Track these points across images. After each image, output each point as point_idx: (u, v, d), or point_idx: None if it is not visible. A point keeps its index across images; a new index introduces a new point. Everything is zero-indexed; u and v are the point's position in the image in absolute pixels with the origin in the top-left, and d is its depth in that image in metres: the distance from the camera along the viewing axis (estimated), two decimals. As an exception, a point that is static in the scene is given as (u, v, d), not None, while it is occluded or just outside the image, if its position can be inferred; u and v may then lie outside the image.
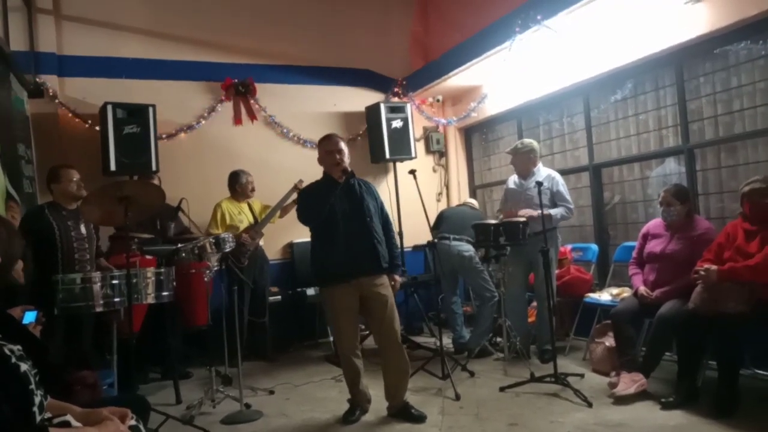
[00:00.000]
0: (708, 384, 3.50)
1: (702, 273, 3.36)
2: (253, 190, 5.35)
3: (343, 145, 3.66)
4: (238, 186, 5.32)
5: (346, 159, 3.64)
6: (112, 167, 5.01)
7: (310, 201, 3.64)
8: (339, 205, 3.56)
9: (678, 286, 3.68)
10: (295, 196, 5.11)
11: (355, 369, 3.63)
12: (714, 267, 3.34)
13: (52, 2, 5.33)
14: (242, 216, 5.28)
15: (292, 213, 5.38)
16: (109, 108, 5.06)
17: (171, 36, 5.87)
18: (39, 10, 5.25)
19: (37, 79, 5.10)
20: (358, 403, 3.69)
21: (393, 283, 3.71)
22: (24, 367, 1.77)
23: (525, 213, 4.55)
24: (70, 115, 5.33)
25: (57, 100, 5.25)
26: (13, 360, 1.75)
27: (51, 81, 5.22)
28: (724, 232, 3.56)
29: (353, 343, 3.65)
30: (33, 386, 1.79)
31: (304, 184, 5.09)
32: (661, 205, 3.89)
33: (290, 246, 6.17)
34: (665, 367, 3.81)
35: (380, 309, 3.59)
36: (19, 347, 1.85)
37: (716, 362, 3.41)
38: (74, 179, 3.96)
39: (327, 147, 3.66)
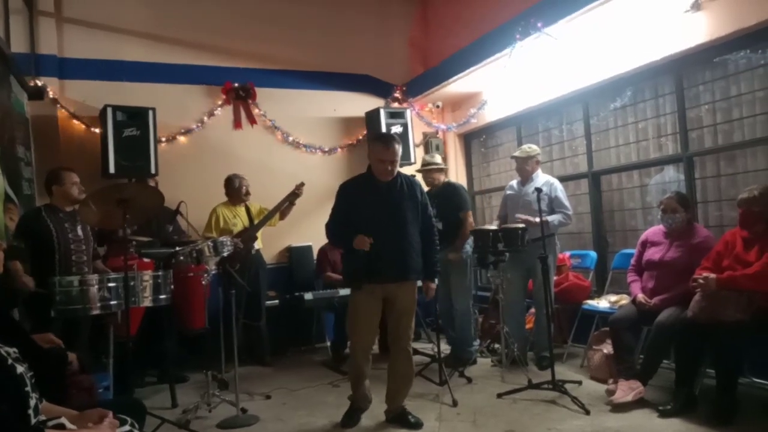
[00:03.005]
0: (706, 392, 3.49)
1: (701, 281, 3.36)
2: (247, 193, 5.33)
3: (398, 155, 3.47)
4: (231, 190, 5.33)
5: (397, 167, 3.50)
6: (112, 170, 5.02)
7: (346, 198, 3.57)
8: (375, 208, 3.47)
9: (676, 293, 3.68)
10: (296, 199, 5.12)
11: (360, 371, 3.62)
12: (713, 275, 3.34)
13: (53, 4, 5.35)
14: (236, 220, 5.27)
15: (291, 217, 5.40)
16: (109, 111, 5.07)
17: (171, 39, 5.88)
18: (40, 13, 5.27)
19: (38, 81, 5.11)
20: (359, 404, 3.67)
21: (428, 290, 3.66)
22: (20, 369, 1.77)
23: (522, 218, 4.54)
24: (69, 117, 5.34)
25: (57, 103, 5.25)
26: (10, 362, 1.75)
27: (51, 83, 5.23)
28: (723, 241, 3.57)
29: (367, 346, 3.62)
30: (29, 388, 1.79)
31: (303, 188, 5.13)
32: (665, 212, 3.87)
33: (288, 250, 6.17)
34: (663, 374, 3.80)
35: (398, 314, 3.57)
36: (15, 350, 1.85)
37: (715, 370, 3.40)
38: (75, 180, 3.96)
39: (382, 155, 3.45)
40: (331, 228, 3.66)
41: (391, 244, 3.45)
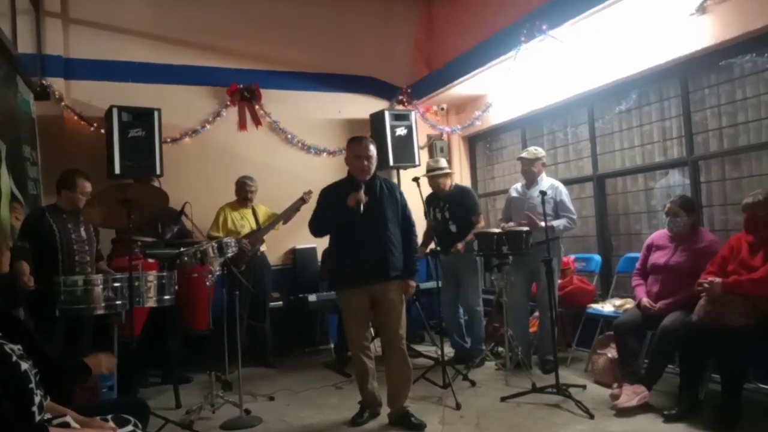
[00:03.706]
0: (711, 397, 3.48)
1: (706, 286, 3.35)
2: (246, 198, 5.33)
3: (373, 151, 3.62)
4: (239, 192, 5.35)
5: (374, 165, 3.62)
6: (117, 170, 5.03)
7: (326, 211, 3.65)
8: (357, 210, 3.52)
9: (681, 298, 3.66)
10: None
11: (364, 368, 3.66)
12: (718, 280, 3.33)
13: (59, 5, 5.37)
14: (244, 221, 5.29)
15: (296, 219, 5.41)
16: (115, 111, 5.08)
17: (177, 40, 5.89)
18: (47, 13, 5.28)
19: (44, 82, 5.11)
20: (368, 404, 3.70)
21: (407, 287, 3.68)
22: (24, 366, 1.77)
23: (529, 219, 4.52)
24: (75, 117, 5.35)
25: (63, 103, 5.26)
26: (14, 358, 1.75)
27: (57, 83, 5.24)
28: (728, 245, 3.55)
29: (362, 343, 3.67)
30: (33, 385, 1.79)
31: (312, 196, 5.15)
32: (667, 216, 3.87)
33: (293, 252, 6.17)
34: (668, 379, 3.78)
35: (386, 314, 3.61)
36: (19, 347, 1.85)
37: (719, 375, 3.39)
38: (87, 191, 3.94)
39: (357, 151, 3.62)
40: (313, 222, 3.72)
41: (373, 242, 3.53)
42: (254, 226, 5.28)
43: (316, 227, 3.75)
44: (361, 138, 3.73)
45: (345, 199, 3.55)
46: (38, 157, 4.87)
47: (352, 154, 3.63)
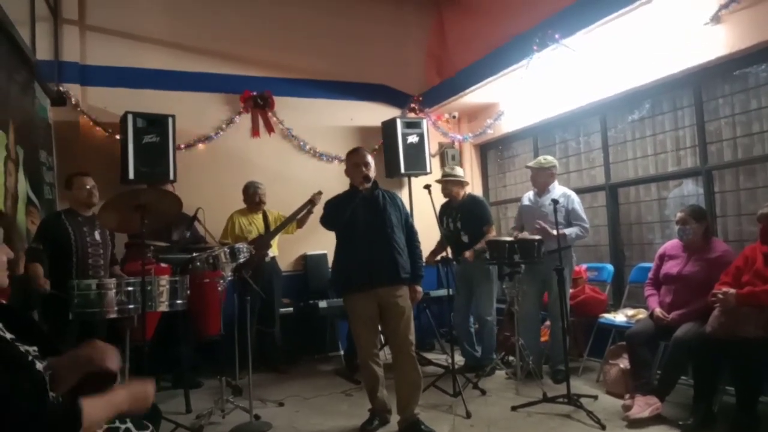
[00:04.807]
0: (725, 409, 3.43)
1: (720, 296, 3.31)
2: (260, 201, 5.35)
3: (369, 159, 3.77)
4: (247, 197, 5.38)
5: (372, 172, 3.74)
6: (131, 176, 5.08)
7: (332, 209, 3.76)
8: (361, 215, 3.64)
9: (695, 308, 3.63)
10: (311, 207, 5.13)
11: (374, 375, 3.67)
12: (732, 290, 3.29)
13: (77, 13, 5.45)
14: (252, 227, 5.31)
15: (308, 225, 5.40)
16: (130, 117, 5.15)
17: (191, 48, 5.96)
18: (64, 21, 5.36)
19: (60, 88, 5.19)
20: (378, 412, 3.71)
21: (414, 293, 3.74)
22: (40, 367, 1.79)
23: (541, 225, 4.50)
24: (91, 123, 5.42)
25: (79, 109, 5.33)
26: (30, 358, 1.77)
27: (74, 90, 5.31)
28: (743, 256, 3.52)
29: (371, 350, 3.70)
30: (48, 386, 1.80)
31: (322, 198, 5.15)
32: (677, 224, 3.85)
33: (303, 258, 6.18)
34: (680, 391, 3.74)
35: (395, 320, 3.61)
36: (35, 348, 1.87)
37: (735, 387, 3.35)
38: (87, 186, 4.00)
39: (354, 160, 3.77)
40: (325, 217, 3.78)
41: (381, 246, 3.61)
42: (263, 230, 5.28)
43: (326, 220, 3.82)
44: (357, 148, 3.92)
45: (350, 204, 3.66)
46: (54, 162, 4.93)
47: (351, 163, 3.78)
